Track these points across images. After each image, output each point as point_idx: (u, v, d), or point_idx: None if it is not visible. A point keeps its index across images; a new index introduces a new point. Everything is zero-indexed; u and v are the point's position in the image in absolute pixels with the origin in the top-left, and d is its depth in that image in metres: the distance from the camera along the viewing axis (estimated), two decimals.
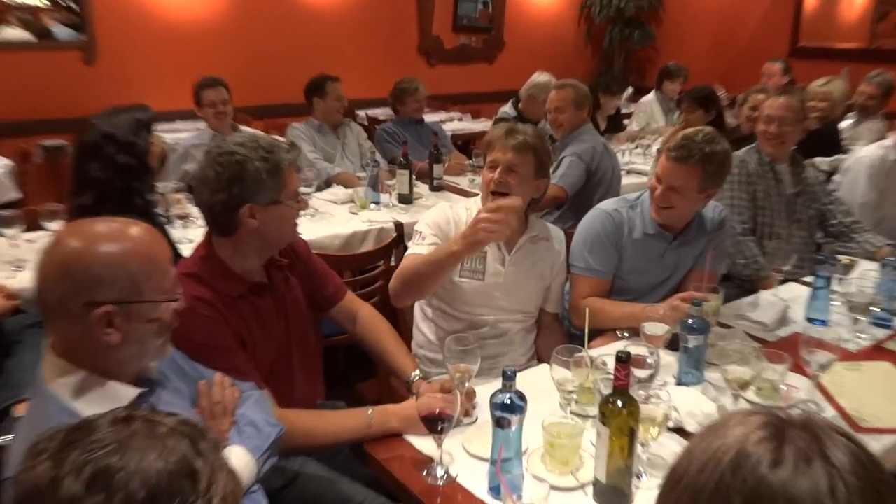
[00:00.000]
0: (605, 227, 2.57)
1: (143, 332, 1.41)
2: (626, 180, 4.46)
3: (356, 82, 6.46)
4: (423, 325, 2.58)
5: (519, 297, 2.51)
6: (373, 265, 3.32)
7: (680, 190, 2.41)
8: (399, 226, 3.63)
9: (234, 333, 1.87)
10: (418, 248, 2.39)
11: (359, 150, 4.81)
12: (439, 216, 2.47)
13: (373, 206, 3.90)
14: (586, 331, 2.05)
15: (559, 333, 2.62)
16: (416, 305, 2.63)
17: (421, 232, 2.44)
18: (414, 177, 4.10)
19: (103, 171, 2.50)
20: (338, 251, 3.42)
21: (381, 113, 6.76)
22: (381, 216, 3.77)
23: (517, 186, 2.36)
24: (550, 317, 2.64)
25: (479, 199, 2.50)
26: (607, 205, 2.65)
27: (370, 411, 1.86)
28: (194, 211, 3.54)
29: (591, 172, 3.97)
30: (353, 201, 3.92)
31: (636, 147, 5.46)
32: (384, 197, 3.99)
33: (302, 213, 2.03)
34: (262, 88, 6.58)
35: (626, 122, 6.62)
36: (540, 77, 5.42)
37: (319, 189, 4.18)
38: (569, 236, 2.66)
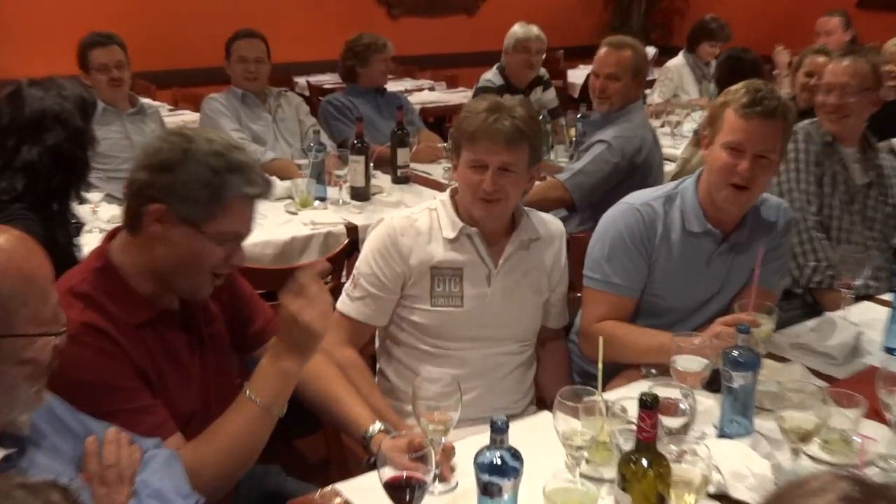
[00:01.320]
0: (630, 228, 2.55)
1: (12, 376, 1.39)
2: None
3: (294, 40, 6.46)
4: (387, 368, 2.57)
5: (511, 321, 2.51)
6: None
7: (769, 155, 2.43)
8: (352, 229, 3.62)
9: (137, 370, 1.85)
10: (345, 303, 2.47)
11: (299, 128, 4.79)
12: (383, 247, 2.44)
13: (317, 203, 3.90)
14: (600, 366, 2.05)
15: (564, 355, 2.63)
16: (377, 341, 2.61)
17: (354, 276, 2.48)
18: (372, 165, 4.09)
19: (42, 157, 2.48)
20: (271, 264, 3.40)
21: (328, 80, 6.76)
22: (328, 217, 3.76)
23: (513, 187, 2.37)
24: (552, 333, 2.65)
25: (447, 196, 2.50)
26: (636, 198, 2.65)
27: (247, 391, 1.89)
28: (82, 211, 3.50)
29: (632, 167, 3.87)
30: (291, 197, 3.90)
31: (662, 125, 5.50)
32: (332, 191, 3.99)
33: None
34: (169, 49, 6.55)
35: (646, 91, 6.68)
36: (519, 29, 5.44)
37: None
38: (585, 242, 2.66)
